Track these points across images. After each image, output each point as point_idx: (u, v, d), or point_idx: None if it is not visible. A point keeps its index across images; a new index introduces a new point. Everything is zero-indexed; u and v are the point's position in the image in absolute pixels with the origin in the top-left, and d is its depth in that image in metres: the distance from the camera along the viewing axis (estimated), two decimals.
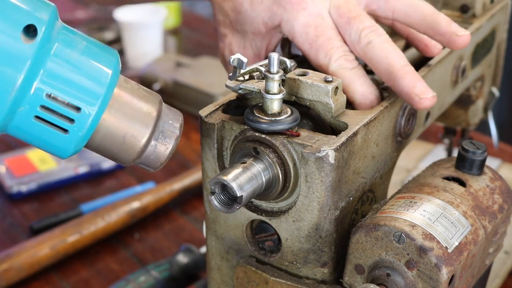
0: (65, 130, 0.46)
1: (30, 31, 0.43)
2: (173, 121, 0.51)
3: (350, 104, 0.59)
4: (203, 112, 0.57)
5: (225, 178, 0.50)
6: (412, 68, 0.58)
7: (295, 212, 0.54)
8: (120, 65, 0.48)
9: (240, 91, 0.55)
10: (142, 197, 0.94)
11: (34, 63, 0.43)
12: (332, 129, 0.56)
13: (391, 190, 0.62)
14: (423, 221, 0.52)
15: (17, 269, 0.82)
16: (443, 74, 0.67)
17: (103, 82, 0.46)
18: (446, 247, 0.51)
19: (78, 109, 0.46)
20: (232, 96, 0.59)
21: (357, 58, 0.61)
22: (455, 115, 0.85)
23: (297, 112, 0.54)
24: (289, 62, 0.57)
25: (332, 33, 0.61)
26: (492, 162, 0.99)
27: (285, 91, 0.53)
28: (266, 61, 0.53)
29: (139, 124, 0.48)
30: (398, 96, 0.59)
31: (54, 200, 1.01)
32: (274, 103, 0.53)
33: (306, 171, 0.52)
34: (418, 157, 1.03)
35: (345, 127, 0.54)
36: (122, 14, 1.44)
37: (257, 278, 0.57)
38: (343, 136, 0.52)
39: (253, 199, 0.56)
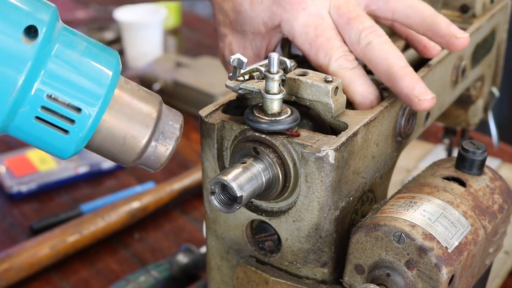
0: (66, 131, 0.46)
1: (31, 32, 0.43)
2: (173, 122, 0.51)
3: (350, 104, 0.59)
4: (203, 112, 0.57)
5: (225, 178, 0.50)
6: (411, 69, 0.58)
7: (295, 212, 0.54)
8: (121, 66, 0.48)
9: (240, 91, 0.55)
10: (142, 197, 0.94)
11: (35, 64, 0.44)
12: (332, 129, 0.56)
13: (391, 190, 0.62)
14: (423, 221, 0.52)
15: (17, 269, 0.82)
16: (443, 74, 0.67)
17: (103, 83, 0.46)
18: (446, 247, 0.51)
19: (78, 110, 0.46)
20: (232, 96, 0.59)
21: (357, 59, 0.61)
22: (455, 115, 0.85)
23: (297, 112, 0.54)
24: (289, 62, 0.57)
25: (332, 33, 0.61)
26: (492, 162, 0.99)
27: (285, 91, 0.53)
28: (266, 61, 0.53)
29: (140, 125, 0.48)
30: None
31: (54, 200, 1.01)
32: (274, 103, 0.53)
33: (306, 171, 0.52)
34: (418, 157, 1.03)
35: (345, 127, 0.54)
36: (122, 14, 1.44)
37: (257, 278, 0.57)
38: (343, 136, 0.52)
39: (253, 199, 0.56)
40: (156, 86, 1.27)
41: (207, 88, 1.23)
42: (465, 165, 0.58)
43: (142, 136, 0.49)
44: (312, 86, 0.55)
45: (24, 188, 1.00)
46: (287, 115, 0.53)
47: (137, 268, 0.86)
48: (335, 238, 0.55)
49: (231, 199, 0.51)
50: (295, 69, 0.57)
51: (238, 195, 0.50)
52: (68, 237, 0.87)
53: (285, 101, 0.55)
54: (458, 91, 0.73)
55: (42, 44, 0.44)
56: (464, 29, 0.73)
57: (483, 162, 0.58)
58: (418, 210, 0.53)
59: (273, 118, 0.53)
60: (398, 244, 0.51)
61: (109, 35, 1.50)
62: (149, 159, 0.50)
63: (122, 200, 0.93)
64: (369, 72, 0.63)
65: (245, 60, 0.53)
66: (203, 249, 0.84)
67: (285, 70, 0.57)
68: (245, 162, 0.52)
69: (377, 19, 0.63)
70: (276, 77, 0.52)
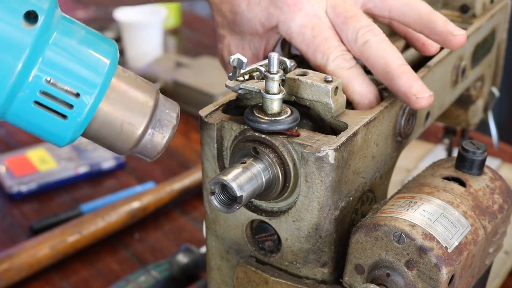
0: (64, 116, 0.46)
1: (30, 17, 0.44)
2: (170, 111, 0.51)
3: (350, 104, 0.59)
4: (203, 112, 0.57)
5: (225, 178, 0.50)
6: (409, 68, 0.58)
7: (295, 212, 0.54)
8: (118, 55, 0.48)
9: (240, 91, 0.55)
10: (142, 197, 0.94)
11: (33, 49, 0.44)
12: (332, 129, 0.56)
13: (391, 190, 0.62)
14: (423, 221, 0.52)
15: (17, 269, 0.82)
16: (443, 74, 0.67)
17: (101, 72, 0.47)
18: (446, 247, 0.51)
19: (77, 95, 0.46)
20: (232, 96, 0.59)
21: (356, 59, 0.61)
22: (455, 115, 0.85)
23: (297, 112, 0.54)
24: (289, 62, 0.57)
25: (329, 33, 0.61)
26: (492, 162, 0.99)
27: (285, 91, 0.53)
28: (266, 61, 0.53)
29: (137, 112, 0.49)
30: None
31: (54, 200, 1.01)
32: (274, 103, 0.53)
33: (306, 171, 0.52)
34: (418, 157, 1.03)
35: (345, 127, 0.54)
36: (122, 14, 1.44)
37: (257, 278, 0.57)
38: (343, 136, 0.52)
39: (253, 199, 0.56)
40: (156, 86, 1.27)
41: (207, 88, 1.23)
42: (465, 165, 0.58)
43: (139, 123, 0.49)
44: (312, 86, 0.55)
45: (24, 188, 1.00)
46: (287, 115, 0.53)
47: (137, 268, 0.86)
48: (335, 238, 0.55)
49: (231, 199, 0.51)
50: (295, 69, 0.57)
51: (238, 195, 0.50)
52: (68, 237, 0.87)
53: (285, 101, 0.55)
54: (458, 91, 0.73)
55: (42, 29, 0.44)
56: (464, 29, 0.73)
57: (483, 162, 0.58)
58: (418, 210, 0.53)
59: (273, 118, 0.53)
60: (398, 244, 0.51)
61: (109, 35, 1.50)
62: (146, 147, 0.50)
63: (122, 200, 0.93)
64: (368, 72, 0.63)
65: (245, 60, 0.53)
66: (203, 249, 0.84)
67: (285, 70, 0.57)
68: (245, 162, 0.52)
69: (374, 18, 0.64)
70: (276, 77, 0.52)
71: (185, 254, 0.84)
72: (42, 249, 0.85)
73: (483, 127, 0.93)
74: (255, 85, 0.54)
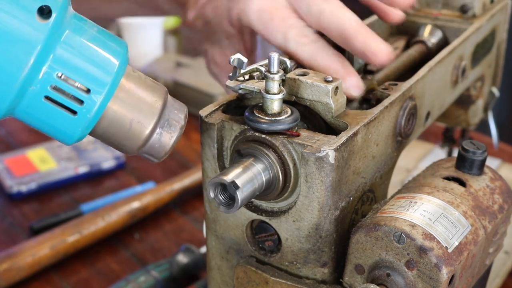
0: (74, 112, 0.46)
1: (44, 13, 0.44)
2: (178, 112, 0.51)
3: (349, 101, 0.59)
4: (203, 112, 0.57)
5: (225, 178, 0.50)
6: (365, 27, 0.58)
7: (295, 212, 0.54)
8: (129, 56, 0.49)
9: (240, 91, 0.55)
10: (142, 197, 0.94)
11: (45, 46, 0.44)
12: (332, 129, 0.56)
13: (391, 190, 0.62)
14: (423, 221, 0.52)
15: (17, 269, 0.82)
16: (443, 74, 0.67)
17: (110, 71, 0.47)
18: (446, 247, 0.51)
19: (87, 91, 0.46)
20: (232, 96, 0.59)
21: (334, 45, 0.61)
22: (455, 115, 0.85)
23: (297, 112, 0.54)
24: (289, 62, 0.57)
25: (285, 12, 0.61)
26: (492, 162, 0.99)
27: (285, 91, 0.53)
28: (266, 61, 0.53)
29: (146, 111, 0.49)
30: (398, 96, 0.59)
31: (54, 200, 1.01)
32: (274, 103, 0.53)
33: (306, 171, 0.52)
34: (418, 157, 1.03)
35: (345, 127, 0.54)
36: None
37: (257, 278, 0.57)
38: (343, 136, 0.52)
39: (253, 199, 0.56)
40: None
41: (207, 88, 1.23)
42: (465, 165, 0.58)
43: (148, 122, 0.49)
44: (312, 86, 0.55)
45: (24, 188, 1.00)
46: (287, 115, 0.53)
47: (137, 268, 0.86)
48: (335, 238, 0.55)
49: (231, 199, 0.51)
50: (295, 69, 0.57)
51: (238, 195, 0.50)
52: (68, 237, 0.87)
53: (285, 101, 0.55)
54: (458, 91, 0.73)
55: (54, 25, 0.44)
56: (464, 29, 0.73)
57: (483, 162, 0.58)
58: (418, 210, 0.53)
59: (273, 118, 0.52)
60: (398, 244, 0.51)
61: None
62: (153, 147, 0.50)
63: (122, 200, 0.93)
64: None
65: (245, 60, 0.53)
66: (203, 249, 0.84)
67: (285, 70, 0.57)
68: (245, 162, 0.52)
69: None
70: (276, 77, 0.52)
71: (185, 254, 0.84)
72: (42, 249, 0.85)
73: (483, 127, 0.93)
74: (255, 85, 0.54)
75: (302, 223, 0.54)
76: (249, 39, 0.67)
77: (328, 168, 0.51)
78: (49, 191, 1.02)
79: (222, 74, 0.70)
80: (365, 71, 0.65)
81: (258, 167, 0.53)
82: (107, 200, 0.98)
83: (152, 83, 0.51)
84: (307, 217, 0.53)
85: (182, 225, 0.95)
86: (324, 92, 0.54)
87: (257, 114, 0.53)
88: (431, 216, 0.52)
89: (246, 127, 0.54)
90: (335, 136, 0.53)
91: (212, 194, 0.52)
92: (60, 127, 0.47)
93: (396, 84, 0.61)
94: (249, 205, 0.57)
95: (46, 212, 0.97)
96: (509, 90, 1.79)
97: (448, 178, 0.57)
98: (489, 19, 0.76)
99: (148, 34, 1.43)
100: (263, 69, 0.54)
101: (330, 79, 0.55)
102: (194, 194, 1.00)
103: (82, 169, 1.05)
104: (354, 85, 0.59)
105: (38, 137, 1.12)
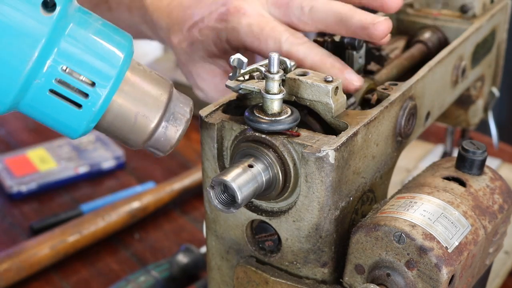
0: (79, 105, 0.46)
1: (48, 6, 0.44)
2: (184, 105, 0.51)
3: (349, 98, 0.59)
4: (203, 112, 0.57)
5: (225, 178, 0.50)
6: (359, 9, 0.60)
7: (295, 212, 0.54)
8: (133, 49, 0.48)
9: (240, 91, 0.55)
10: (142, 197, 0.94)
11: (49, 39, 0.44)
12: (332, 129, 0.56)
13: (391, 190, 0.62)
14: (423, 221, 0.52)
15: (17, 269, 0.82)
16: (443, 74, 0.67)
17: (115, 64, 0.47)
18: (446, 247, 0.51)
19: (92, 84, 0.46)
20: (232, 96, 0.59)
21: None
22: (455, 115, 0.85)
23: (297, 112, 0.54)
24: (289, 62, 0.57)
25: (274, 23, 0.63)
26: (492, 162, 0.99)
27: (285, 91, 0.53)
28: (266, 61, 0.53)
29: (151, 105, 0.49)
30: (398, 96, 0.59)
31: (54, 200, 1.01)
32: (274, 103, 0.53)
33: (306, 171, 0.52)
34: (418, 157, 1.03)
35: (345, 127, 0.54)
36: None
37: (257, 278, 0.57)
38: (343, 136, 0.52)
39: (253, 199, 0.56)
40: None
41: None
42: (465, 165, 0.58)
43: (153, 115, 0.49)
44: (312, 86, 0.55)
45: (24, 188, 1.00)
46: (287, 115, 0.53)
47: (137, 268, 0.86)
48: (335, 238, 0.55)
49: (231, 199, 0.51)
50: (295, 69, 0.57)
51: (238, 195, 0.50)
52: (68, 237, 0.87)
53: (285, 101, 0.55)
54: (458, 91, 0.73)
55: (59, 18, 0.44)
56: (464, 29, 0.73)
57: (483, 162, 0.58)
58: (418, 210, 0.53)
59: (273, 118, 0.53)
60: (398, 244, 0.51)
61: None
62: (159, 141, 0.50)
63: (122, 200, 0.93)
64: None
65: (245, 60, 0.53)
66: (203, 249, 0.84)
67: (285, 70, 0.57)
68: (245, 162, 0.52)
69: None
70: (276, 77, 0.52)
71: (185, 254, 0.84)
72: (42, 249, 0.84)
73: (483, 127, 0.93)
74: (255, 85, 0.54)
75: (302, 223, 0.54)
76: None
77: (328, 168, 0.51)
78: (49, 191, 1.02)
79: (211, 87, 0.70)
80: (365, 71, 0.65)
81: (258, 167, 0.53)
82: (107, 200, 0.98)
83: (157, 76, 0.51)
84: (307, 217, 0.53)
85: (182, 225, 0.95)
86: (324, 92, 0.54)
87: (257, 114, 0.53)
88: (431, 216, 0.52)
89: (246, 127, 0.54)
90: (335, 136, 0.53)
91: (212, 194, 0.52)
92: (65, 120, 0.47)
93: (396, 84, 0.61)
94: (249, 205, 0.57)
95: (46, 212, 0.97)
96: (509, 90, 1.79)
97: (448, 178, 0.57)
98: (489, 19, 0.76)
99: None
100: (263, 69, 0.54)
101: (330, 79, 0.55)
102: (194, 194, 1.00)
103: (82, 169, 1.05)
104: (353, 78, 0.60)
105: (38, 137, 1.12)
